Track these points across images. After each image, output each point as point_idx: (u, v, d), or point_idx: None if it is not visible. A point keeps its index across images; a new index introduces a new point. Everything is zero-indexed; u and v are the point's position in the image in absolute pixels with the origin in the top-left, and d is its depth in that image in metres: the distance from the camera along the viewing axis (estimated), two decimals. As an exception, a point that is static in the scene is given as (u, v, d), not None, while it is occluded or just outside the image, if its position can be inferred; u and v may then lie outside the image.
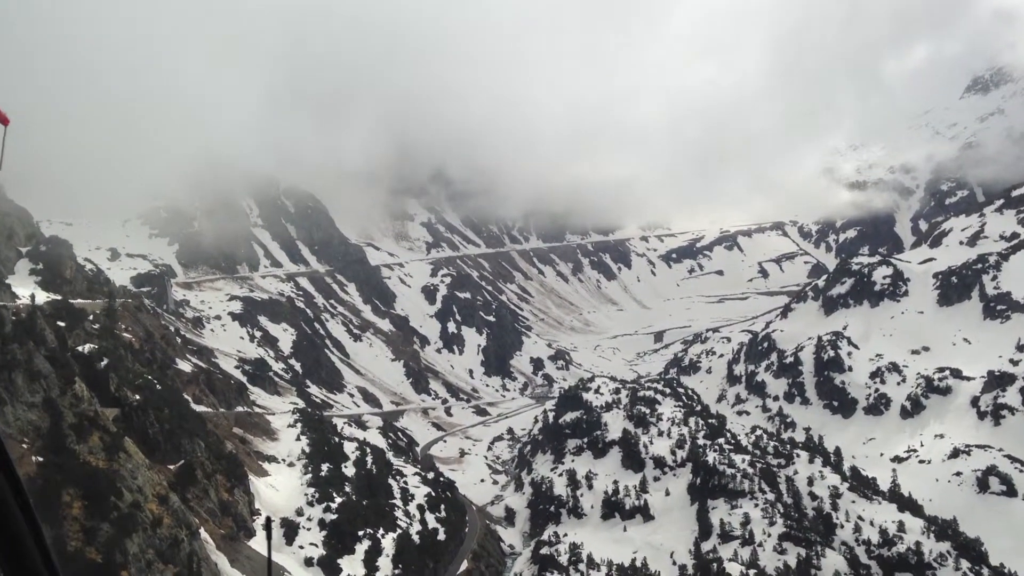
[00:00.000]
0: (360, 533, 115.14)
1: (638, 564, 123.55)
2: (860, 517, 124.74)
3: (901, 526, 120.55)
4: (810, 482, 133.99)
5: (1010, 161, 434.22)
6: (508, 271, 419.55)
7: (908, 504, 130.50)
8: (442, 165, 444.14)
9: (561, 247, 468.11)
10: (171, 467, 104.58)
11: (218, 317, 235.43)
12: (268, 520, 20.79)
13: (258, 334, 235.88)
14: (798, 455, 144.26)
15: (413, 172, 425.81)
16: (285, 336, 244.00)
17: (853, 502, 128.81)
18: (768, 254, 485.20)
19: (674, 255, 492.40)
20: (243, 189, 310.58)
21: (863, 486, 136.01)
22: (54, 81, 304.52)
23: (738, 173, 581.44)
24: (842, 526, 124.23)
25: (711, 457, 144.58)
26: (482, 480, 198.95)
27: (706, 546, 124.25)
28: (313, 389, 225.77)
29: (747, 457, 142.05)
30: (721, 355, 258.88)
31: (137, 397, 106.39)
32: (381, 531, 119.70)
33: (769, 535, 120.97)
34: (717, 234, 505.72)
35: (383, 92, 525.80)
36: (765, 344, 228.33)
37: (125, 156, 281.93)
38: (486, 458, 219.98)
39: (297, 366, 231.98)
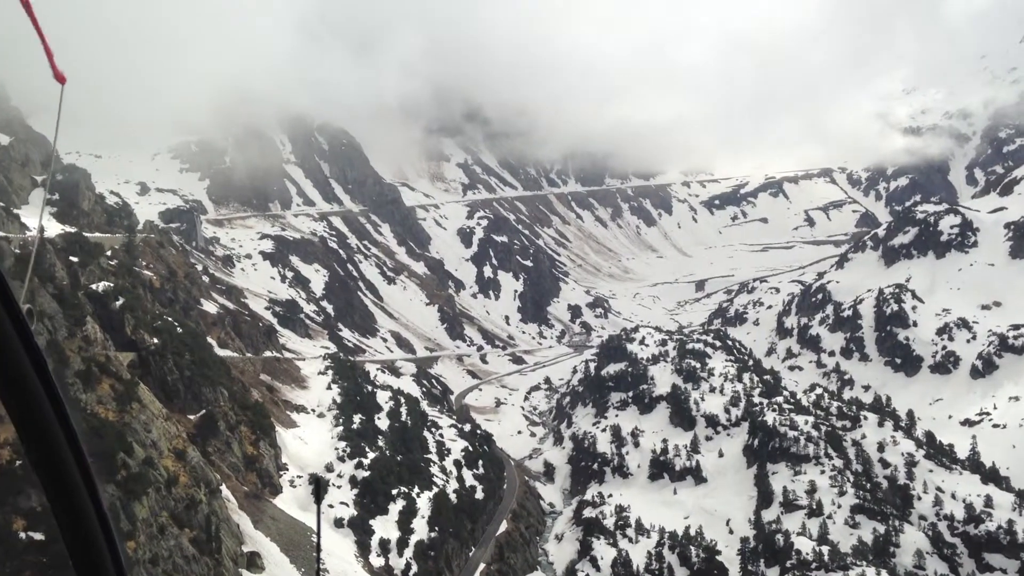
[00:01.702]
0: (394, 492, 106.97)
1: (692, 532, 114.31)
2: (939, 489, 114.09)
3: (989, 501, 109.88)
4: (881, 448, 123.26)
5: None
6: (545, 215, 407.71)
7: (991, 475, 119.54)
8: (479, 104, 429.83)
9: (600, 191, 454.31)
10: (191, 417, 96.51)
11: (248, 256, 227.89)
12: (317, 481, 15.28)
13: (289, 274, 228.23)
14: (865, 417, 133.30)
15: (449, 111, 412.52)
16: (317, 277, 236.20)
17: (931, 471, 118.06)
18: (815, 202, 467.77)
19: (717, 201, 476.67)
20: (276, 124, 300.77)
21: (940, 454, 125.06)
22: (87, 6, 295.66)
23: (787, 117, 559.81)
24: (919, 498, 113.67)
25: (770, 417, 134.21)
26: (519, 432, 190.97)
27: (767, 515, 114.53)
28: (345, 333, 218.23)
29: (809, 419, 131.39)
30: (770, 306, 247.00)
31: (155, 341, 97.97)
32: (416, 489, 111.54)
33: (839, 506, 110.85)
34: (762, 180, 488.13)
35: (419, 27, 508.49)
36: (819, 296, 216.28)
37: (156, 86, 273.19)
38: (523, 408, 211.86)
39: (329, 308, 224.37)
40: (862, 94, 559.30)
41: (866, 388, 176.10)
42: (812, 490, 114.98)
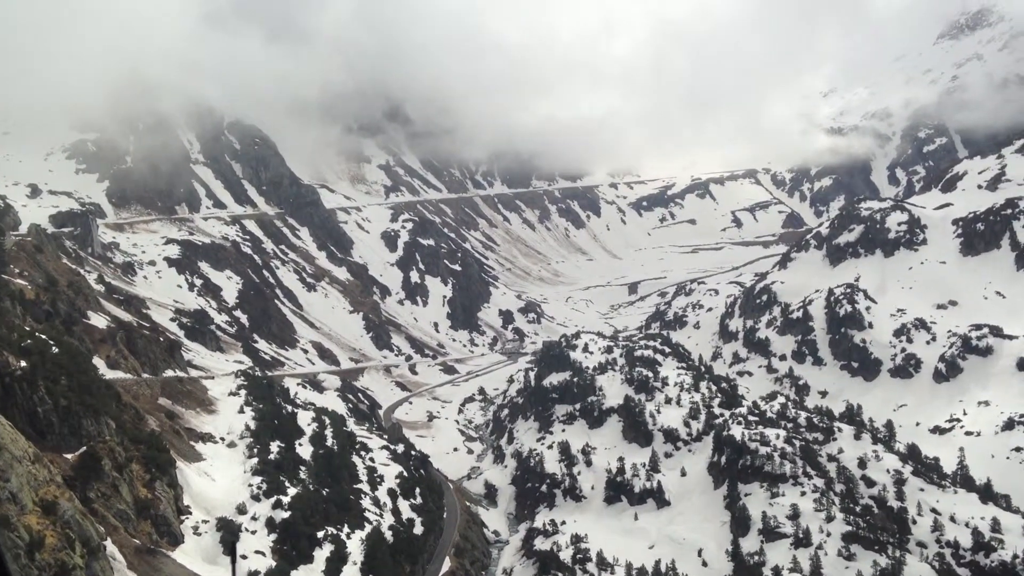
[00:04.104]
0: (320, 535, 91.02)
1: (662, 568, 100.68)
2: (935, 510, 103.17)
3: (996, 525, 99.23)
4: (862, 464, 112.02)
5: (995, 107, 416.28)
6: (472, 218, 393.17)
7: (988, 493, 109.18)
8: (401, 101, 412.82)
9: (527, 193, 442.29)
10: (68, 457, 79.03)
11: (152, 263, 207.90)
12: (233, 546, 19.87)
13: (198, 282, 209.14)
14: (839, 429, 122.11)
15: (369, 109, 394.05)
16: (229, 285, 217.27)
17: (922, 490, 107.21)
18: (741, 203, 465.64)
19: (644, 203, 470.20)
20: (182, 121, 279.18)
21: (928, 470, 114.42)
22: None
23: (717, 114, 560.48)
24: (915, 522, 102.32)
25: (736, 431, 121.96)
26: (455, 449, 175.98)
27: (747, 545, 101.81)
28: (262, 344, 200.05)
29: (781, 432, 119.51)
30: (710, 308, 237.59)
31: (23, 364, 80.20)
32: (346, 529, 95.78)
33: (828, 534, 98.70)
34: (688, 182, 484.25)
35: (336, 17, 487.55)
36: (764, 297, 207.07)
37: (39, 72, 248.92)
38: (457, 422, 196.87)
39: (243, 318, 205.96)
40: (787, 93, 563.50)
41: (823, 394, 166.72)
42: (795, 515, 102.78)
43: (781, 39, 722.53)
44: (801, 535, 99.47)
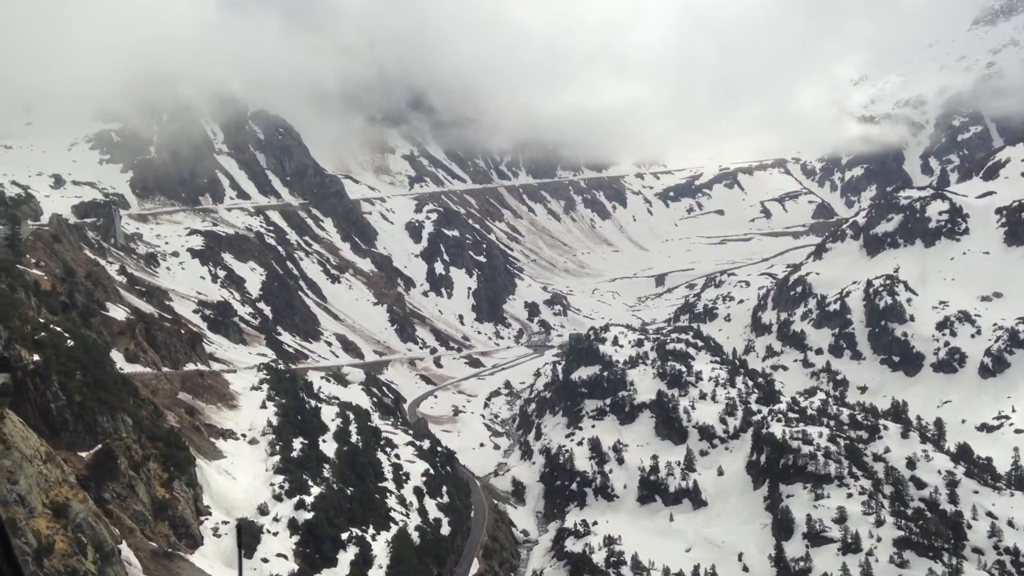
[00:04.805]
0: (344, 536, 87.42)
1: (702, 573, 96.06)
2: (991, 514, 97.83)
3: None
4: (911, 464, 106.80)
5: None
6: (496, 208, 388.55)
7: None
8: (424, 91, 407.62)
9: (552, 184, 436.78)
10: (83, 455, 75.87)
11: (175, 254, 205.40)
12: (239, 528, 17.85)
13: (222, 274, 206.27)
14: (885, 427, 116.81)
15: (392, 98, 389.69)
16: (253, 276, 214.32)
17: (976, 492, 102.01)
18: (770, 193, 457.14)
19: (671, 193, 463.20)
20: (206, 111, 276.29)
21: (981, 470, 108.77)
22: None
23: (745, 103, 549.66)
24: (970, 526, 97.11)
25: (777, 429, 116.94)
26: (481, 444, 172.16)
27: (791, 549, 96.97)
28: (285, 337, 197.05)
29: (824, 431, 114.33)
30: (741, 301, 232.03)
31: (36, 357, 77.12)
32: (371, 531, 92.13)
33: (879, 539, 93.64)
34: (716, 171, 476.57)
35: (358, 4, 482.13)
36: (799, 288, 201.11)
37: (65, 67, 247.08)
38: (483, 417, 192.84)
39: (267, 310, 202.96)
40: (817, 81, 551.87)
41: (862, 389, 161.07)
42: (842, 518, 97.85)
43: (811, 26, 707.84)
44: (850, 540, 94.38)
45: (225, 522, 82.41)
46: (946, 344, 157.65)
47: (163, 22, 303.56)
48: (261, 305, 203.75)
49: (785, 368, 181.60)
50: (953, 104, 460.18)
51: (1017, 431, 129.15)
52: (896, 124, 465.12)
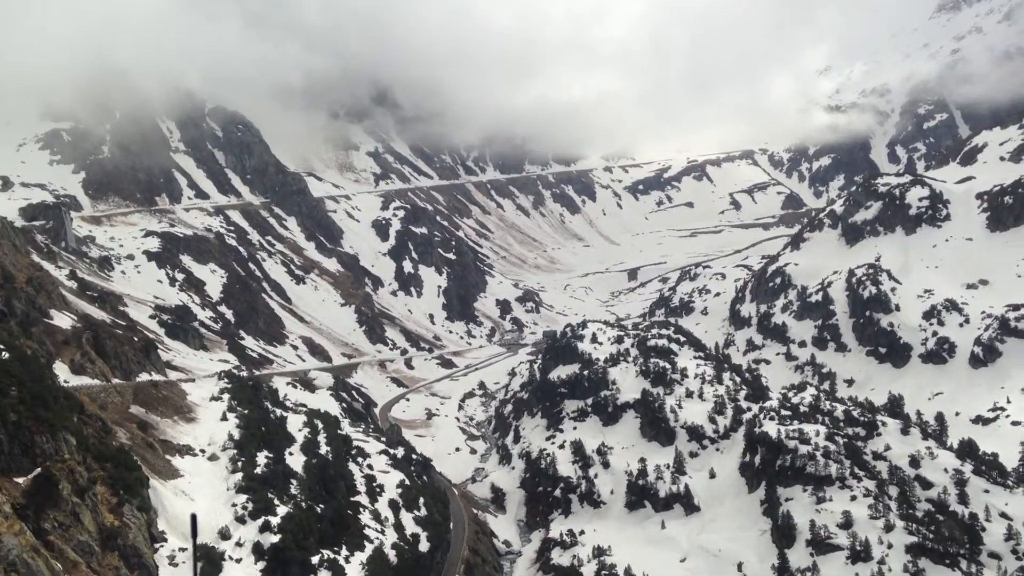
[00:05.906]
0: (315, 560, 79.86)
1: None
2: (1005, 515, 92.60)
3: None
4: (915, 463, 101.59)
5: (997, 80, 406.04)
6: (464, 205, 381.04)
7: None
8: (388, 86, 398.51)
9: (520, 179, 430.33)
10: (19, 481, 67.62)
11: (131, 257, 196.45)
12: (193, 518, 18.05)
13: (180, 277, 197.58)
14: (883, 423, 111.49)
15: (356, 93, 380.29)
16: (213, 279, 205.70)
17: (986, 491, 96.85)
18: (739, 184, 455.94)
19: (640, 187, 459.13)
20: (160, 108, 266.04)
21: (988, 467, 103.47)
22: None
23: (714, 93, 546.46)
24: (984, 529, 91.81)
25: (771, 428, 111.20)
26: (457, 449, 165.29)
27: (795, 559, 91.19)
28: (248, 341, 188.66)
29: (821, 429, 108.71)
30: (718, 293, 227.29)
31: (-38, 374, 68.63)
32: (344, 552, 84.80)
33: (890, 546, 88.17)
34: (684, 164, 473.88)
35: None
36: (777, 280, 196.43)
37: (12, 65, 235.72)
38: (458, 420, 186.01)
39: (228, 314, 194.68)
40: (785, 71, 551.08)
41: (849, 382, 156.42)
42: (847, 523, 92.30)
43: (781, 16, 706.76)
44: (859, 548, 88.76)
45: (183, 549, 74.69)
46: (934, 334, 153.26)
47: (113, 13, 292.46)
48: (222, 308, 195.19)
49: (768, 362, 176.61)
50: (918, 92, 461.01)
51: (1014, 423, 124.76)
52: (863, 113, 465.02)
